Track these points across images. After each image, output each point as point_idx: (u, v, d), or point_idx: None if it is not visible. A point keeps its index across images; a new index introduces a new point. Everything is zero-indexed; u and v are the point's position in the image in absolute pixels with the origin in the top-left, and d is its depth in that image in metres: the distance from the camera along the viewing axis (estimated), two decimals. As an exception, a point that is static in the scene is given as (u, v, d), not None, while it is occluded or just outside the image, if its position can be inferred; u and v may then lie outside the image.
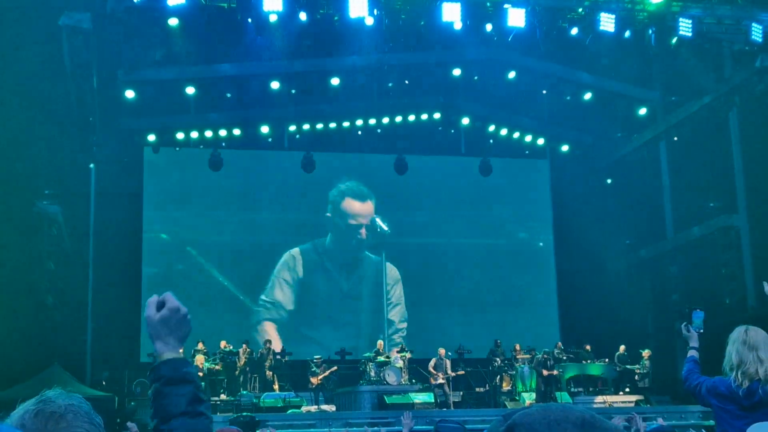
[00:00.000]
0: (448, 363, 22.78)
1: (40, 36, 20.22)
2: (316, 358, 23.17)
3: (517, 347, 24.28)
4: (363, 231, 28.67)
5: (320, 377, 22.39)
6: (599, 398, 22.98)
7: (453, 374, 22.78)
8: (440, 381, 22.28)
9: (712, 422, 6.12)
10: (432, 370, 22.50)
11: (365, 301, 28.81)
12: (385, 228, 28.73)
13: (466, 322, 28.62)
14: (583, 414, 1.62)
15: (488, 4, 21.38)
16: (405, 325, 28.78)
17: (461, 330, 28.04)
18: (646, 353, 23.93)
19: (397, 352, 23.39)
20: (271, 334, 26.61)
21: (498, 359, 24.03)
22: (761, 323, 5.81)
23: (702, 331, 6.27)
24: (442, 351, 23.18)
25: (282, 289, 27.90)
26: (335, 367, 23.15)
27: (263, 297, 27.70)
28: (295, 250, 28.22)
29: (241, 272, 28.08)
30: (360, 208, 28.88)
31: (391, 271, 29.01)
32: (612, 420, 8.00)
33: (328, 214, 28.68)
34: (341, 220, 28.75)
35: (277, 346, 24.57)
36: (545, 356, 23.12)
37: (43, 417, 2.04)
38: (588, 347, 25.03)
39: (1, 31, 20.21)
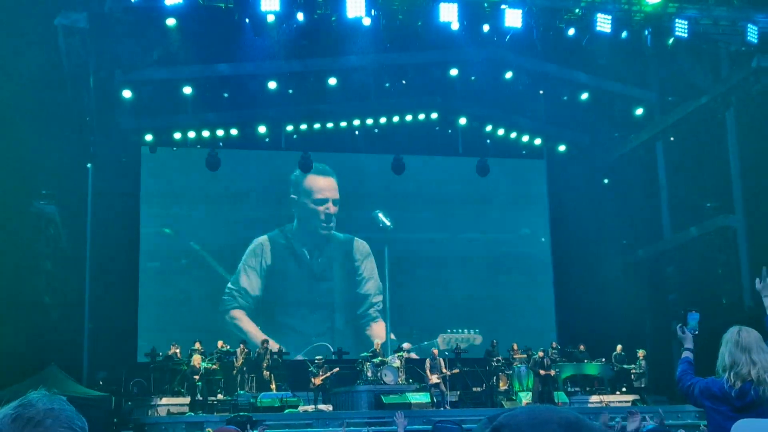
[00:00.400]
0: (443, 362, 22.79)
1: (36, 36, 20.18)
2: (317, 359, 23.25)
3: (515, 347, 24.33)
4: (330, 205, 28.57)
5: (321, 378, 22.42)
6: (595, 398, 23.03)
7: (449, 373, 22.78)
8: (436, 381, 22.29)
9: (706, 422, 6.12)
10: (428, 371, 22.50)
11: (337, 281, 28.82)
12: (388, 223, 28.78)
13: (463, 319, 28.73)
14: (568, 415, 1.63)
15: (485, 4, 21.37)
16: (380, 298, 28.83)
17: (457, 325, 28.30)
18: (641, 353, 23.96)
19: (395, 352, 23.44)
20: (241, 320, 27.08)
21: (495, 359, 24.05)
22: (758, 324, 5.82)
23: (697, 332, 6.27)
24: (435, 351, 23.23)
25: (248, 275, 27.89)
26: (337, 369, 23.16)
27: (230, 285, 27.65)
28: (263, 237, 28.21)
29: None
30: (324, 183, 28.86)
31: (360, 246, 29.05)
32: (600, 417, 8.03)
33: (293, 196, 28.59)
34: (306, 198, 28.72)
35: (252, 330, 25.52)
36: (542, 356, 23.12)
37: (20, 422, 2.00)
38: (582, 347, 25.06)
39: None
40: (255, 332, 26.65)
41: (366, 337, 27.95)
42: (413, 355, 24.82)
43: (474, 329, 28.61)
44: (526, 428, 1.62)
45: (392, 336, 27.88)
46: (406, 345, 24.94)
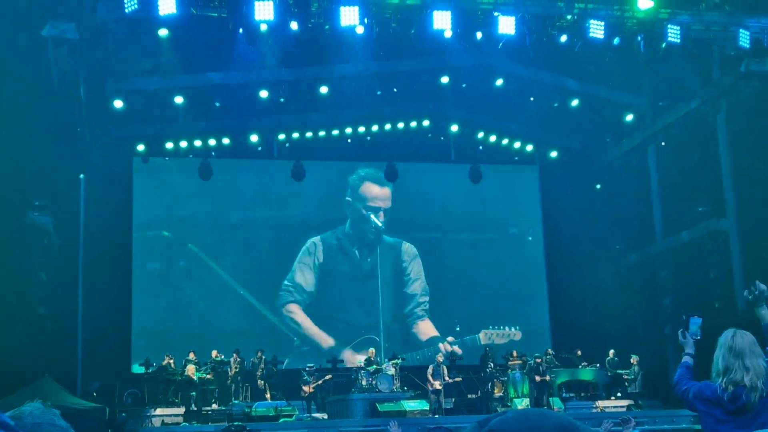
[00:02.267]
0: (445, 369, 22.76)
1: (24, 47, 20.17)
2: (308, 367, 23.22)
3: (515, 354, 24.30)
4: (381, 214, 29.16)
5: (312, 386, 22.39)
6: (600, 403, 22.99)
7: (451, 380, 22.78)
8: (437, 387, 22.26)
9: (700, 426, 6.16)
10: (430, 377, 22.46)
11: (386, 280, 29.33)
12: (380, 224, 29.00)
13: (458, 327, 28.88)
14: (560, 420, 1.63)
15: (479, 12, 21.44)
16: (426, 298, 29.35)
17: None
18: (634, 359, 23.96)
19: (389, 359, 23.46)
20: (297, 314, 28.07)
21: (490, 365, 24.06)
22: (750, 327, 5.87)
23: (698, 337, 6.27)
24: (439, 357, 23.29)
25: (303, 273, 28.52)
26: (329, 376, 23.16)
27: (286, 282, 28.29)
28: (316, 238, 28.88)
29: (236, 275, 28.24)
30: (378, 192, 29.29)
31: (408, 248, 29.63)
32: (603, 424, 8.03)
33: (348, 198, 29.12)
34: (360, 203, 29.16)
35: (312, 330, 26.50)
36: (537, 362, 23.12)
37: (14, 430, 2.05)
38: (579, 352, 25.08)
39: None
40: (309, 326, 27.93)
41: (413, 335, 28.93)
42: (456, 349, 26.29)
43: (515, 326, 28.99)
44: (517, 431, 1.62)
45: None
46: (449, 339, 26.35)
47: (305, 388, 22.37)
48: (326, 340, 26.80)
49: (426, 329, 28.98)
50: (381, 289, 29.10)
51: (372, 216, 29.05)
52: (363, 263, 29.21)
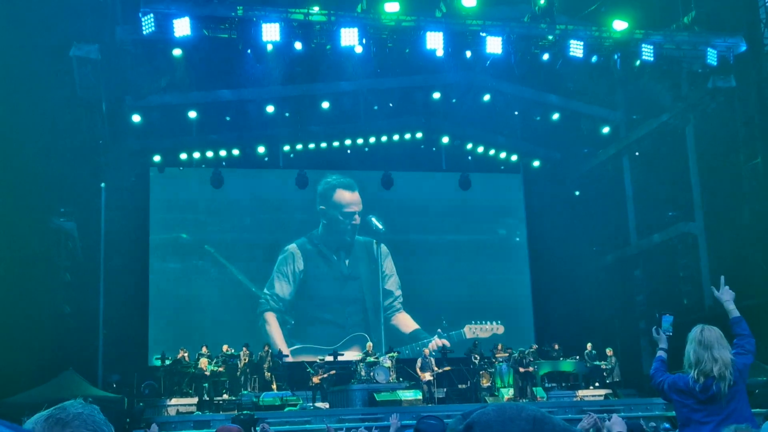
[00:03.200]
0: (433, 361, 22.79)
1: (52, 66, 20.18)
2: (319, 359, 23.29)
3: (501, 347, 24.31)
4: (357, 218, 28.90)
5: (320, 377, 22.41)
6: (582, 392, 22.94)
7: (439, 370, 22.77)
8: (428, 378, 22.26)
9: (674, 413, 6.15)
10: (418, 370, 22.49)
11: (364, 279, 29.07)
12: (380, 226, 28.90)
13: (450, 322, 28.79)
14: (534, 412, 1.64)
15: (468, 33, 21.46)
16: (401, 292, 29.15)
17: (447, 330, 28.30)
18: (609, 351, 23.97)
19: (386, 353, 23.44)
20: (271, 323, 27.50)
21: (477, 357, 24.05)
22: (717, 322, 5.87)
23: (671, 333, 6.29)
24: (426, 351, 23.24)
25: (281, 282, 28.12)
26: (333, 371, 23.15)
27: (265, 291, 27.85)
28: (292, 246, 28.34)
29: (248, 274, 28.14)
30: (350, 198, 29.04)
31: (380, 247, 29.25)
32: (584, 420, 7.96)
33: (322, 207, 28.77)
34: (335, 210, 28.87)
35: (278, 337, 26.13)
36: (521, 355, 23.18)
37: (50, 422, 2.06)
38: (556, 346, 25.07)
39: (17, 63, 20.19)
40: (278, 336, 27.27)
41: (394, 327, 28.65)
42: (446, 342, 26.31)
43: (499, 320, 28.88)
44: (495, 425, 1.63)
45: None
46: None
47: (314, 379, 22.38)
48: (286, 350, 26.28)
49: (406, 322, 28.78)
50: (364, 287, 28.96)
51: (373, 219, 28.98)
52: (341, 265, 28.88)
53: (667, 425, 14.90)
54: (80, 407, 2.14)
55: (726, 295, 5.97)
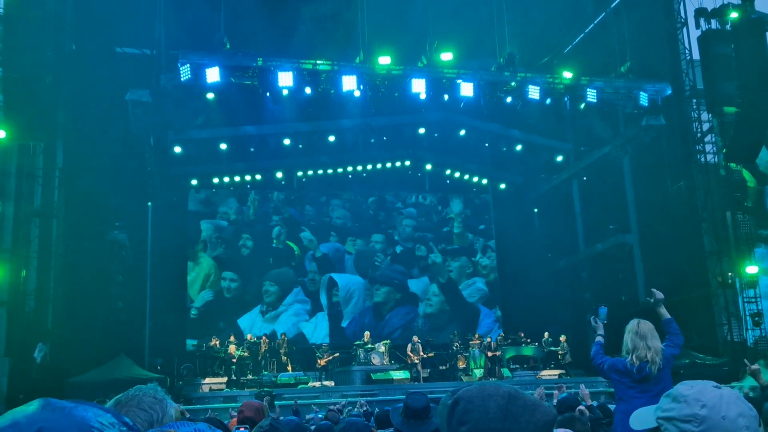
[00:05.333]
0: (420, 347, 22.74)
1: (111, 108, 20.24)
2: (323, 345, 23.20)
3: (476, 336, 24.30)
4: None
5: (325, 360, 22.32)
6: (544, 372, 22.87)
7: (425, 355, 22.71)
8: (416, 361, 22.20)
9: (613, 389, 6.18)
10: (409, 353, 22.43)
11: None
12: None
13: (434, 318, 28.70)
14: (509, 389, 1.65)
15: (445, 80, 21.52)
16: None
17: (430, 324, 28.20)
18: (562, 338, 23.94)
19: (381, 341, 23.39)
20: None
21: (457, 345, 24.01)
22: (648, 315, 5.92)
23: (606, 322, 6.34)
24: (415, 338, 23.21)
25: None
26: (337, 354, 23.07)
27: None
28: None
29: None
30: None
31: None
32: (536, 391, 7.94)
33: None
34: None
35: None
36: (490, 341, 23.15)
37: (114, 404, 2.10)
38: (522, 334, 25.02)
39: (85, 107, 20.27)
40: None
41: None
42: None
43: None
44: (476, 399, 1.63)
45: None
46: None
47: (319, 362, 22.29)
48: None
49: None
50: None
51: None
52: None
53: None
54: (141, 390, 2.13)
55: (658, 303, 6.02)
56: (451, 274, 29.63)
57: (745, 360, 7.89)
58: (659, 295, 6.04)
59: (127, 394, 2.14)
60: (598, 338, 6.16)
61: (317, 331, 27.26)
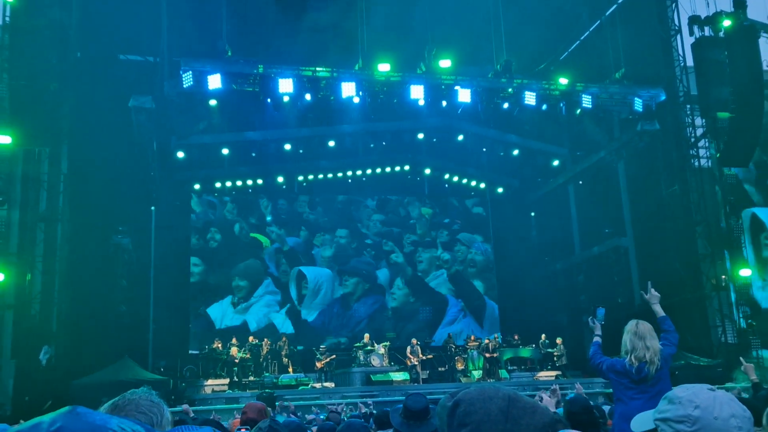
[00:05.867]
0: (419, 349, 22.71)
1: (115, 115, 20.23)
2: (321, 347, 23.15)
3: (472, 337, 24.26)
4: None
5: (323, 362, 22.28)
6: (542, 373, 22.87)
7: (424, 357, 22.70)
8: (415, 363, 22.17)
9: (611, 390, 6.16)
10: (409, 355, 22.40)
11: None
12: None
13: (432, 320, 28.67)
14: (508, 392, 1.65)
15: (443, 86, 21.53)
16: None
17: (429, 324, 28.13)
18: (559, 340, 23.93)
19: (380, 343, 23.37)
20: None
21: (452, 347, 23.99)
22: (645, 317, 5.91)
23: (603, 323, 6.34)
24: (414, 341, 23.18)
25: None
26: (334, 356, 23.05)
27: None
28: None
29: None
30: None
31: None
32: (537, 395, 7.94)
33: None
34: None
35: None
36: (488, 343, 23.11)
37: (110, 408, 2.08)
38: (516, 336, 25.01)
39: (89, 113, 20.26)
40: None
41: None
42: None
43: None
44: (477, 402, 1.63)
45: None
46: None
47: (318, 364, 22.26)
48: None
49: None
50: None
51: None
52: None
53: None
54: (139, 394, 2.12)
55: (653, 299, 6.01)
56: (420, 265, 29.34)
57: (741, 358, 7.90)
58: (654, 292, 6.04)
59: (123, 397, 2.12)
60: (596, 338, 6.16)
61: (287, 321, 27.05)
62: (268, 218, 28.08)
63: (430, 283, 29.23)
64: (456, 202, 30.22)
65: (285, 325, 26.85)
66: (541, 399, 5.32)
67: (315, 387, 20.78)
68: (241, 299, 26.97)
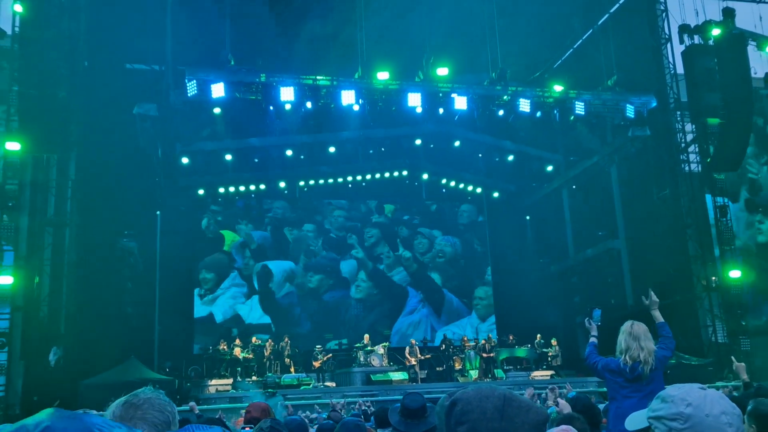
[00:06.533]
0: (418, 349, 22.70)
1: (120, 122, 20.27)
2: (317, 348, 23.17)
3: (465, 338, 24.26)
4: None
5: (320, 362, 22.30)
6: (536, 373, 22.86)
7: (422, 357, 22.69)
8: (413, 363, 22.16)
9: (605, 389, 6.16)
10: (408, 355, 22.39)
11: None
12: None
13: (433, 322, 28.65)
14: (504, 392, 1.66)
15: (440, 94, 21.56)
16: None
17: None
18: (553, 341, 23.94)
19: (380, 343, 23.39)
20: None
21: (450, 347, 23.98)
22: (637, 317, 5.91)
23: (600, 323, 6.36)
24: (413, 341, 23.18)
25: None
26: (330, 355, 23.07)
27: None
28: None
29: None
30: None
31: None
32: (526, 391, 7.92)
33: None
34: None
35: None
36: (485, 343, 23.10)
37: (126, 406, 2.08)
38: (511, 337, 25.00)
39: (94, 120, 20.28)
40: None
41: None
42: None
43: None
44: (474, 401, 1.65)
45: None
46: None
47: (315, 363, 22.30)
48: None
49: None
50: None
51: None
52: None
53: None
54: (150, 393, 2.13)
55: (653, 304, 6.05)
56: (382, 258, 29.13)
57: (732, 357, 7.92)
58: (654, 298, 6.08)
59: (136, 396, 2.12)
60: (592, 339, 6.17)
61: (253, 312, 26.90)
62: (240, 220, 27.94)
63: (393, 277, 28.98)
64: (442, 205, 30.16)
65: (251, 315, 26.73)
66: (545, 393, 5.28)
67: (316, 387, 20.75)
68: (207, 291, 26.88)
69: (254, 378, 21.59)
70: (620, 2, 24.81)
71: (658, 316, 6.01)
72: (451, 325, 28.58)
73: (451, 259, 30.00)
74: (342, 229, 29.06)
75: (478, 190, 30.24)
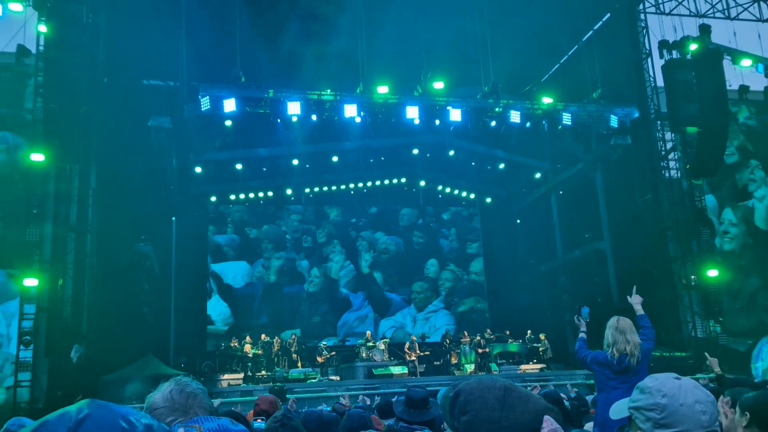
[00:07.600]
0: (417, 345, 22.69)
1: (136, 134, 20.28)
2: (322, 344, 23.16)
3: (465, 334, 24.26)
4: None
5: (323, 358, 22.31)
6: (525, 366, 22.85)
7: (421, 353, 22.67)
8: (413, 358, 22.14)
9: (592, 381, 6.18)
10: (407, 350, 22.38)
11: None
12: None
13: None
14: (505, 382, 1.67)
15: (436, 107, 21.59)
16: None
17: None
18: (542, 336, 23.91)
19: (381, 339, 23.37)
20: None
21: (447, 342, 23.96)
22: (622, 313, 5.94)
23: (588, 320, 6.37)
24: (413, 337, 23.18)
25: None
26: (333, 352, 23.07)
27: None
28: None
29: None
30: None
31: None
32: (530, 387, 7.92)
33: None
34: None
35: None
36: (480, 339, 23.09)
37: (186, 394, 1.99)
38: (507, 332, 24.98)
39: (113, 133, 20.29)
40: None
41: None
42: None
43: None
44: (476, 391, 1.66)
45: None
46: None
47: (319, 358, 22.29)
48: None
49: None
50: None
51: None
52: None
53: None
54: (196, 383, 2.07)
55: (635, 300, 6.08)
56: (332, 256, 28.88)
57: (706, 353, 7.93)
58: (637, 296, 6.16)
59: (186, 384, 2.03)
60: (581, 334, 6.20)
61: (216, 307, 26.62)
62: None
63: (341, 280, 28.70)
64: (437, 209, 30.18)
65: (214, 310, 26.57)
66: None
67: (322, 381, 20.72)
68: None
69: (264, 373, 21.58)
70: (604, 20, 24.86)
71: (638, 309, 6.05)
72: (390, 318, 28.21)
73: (395, 257, 29.51)
74: (297, 230, 28.61)
75: (472, 195, 30.26)
